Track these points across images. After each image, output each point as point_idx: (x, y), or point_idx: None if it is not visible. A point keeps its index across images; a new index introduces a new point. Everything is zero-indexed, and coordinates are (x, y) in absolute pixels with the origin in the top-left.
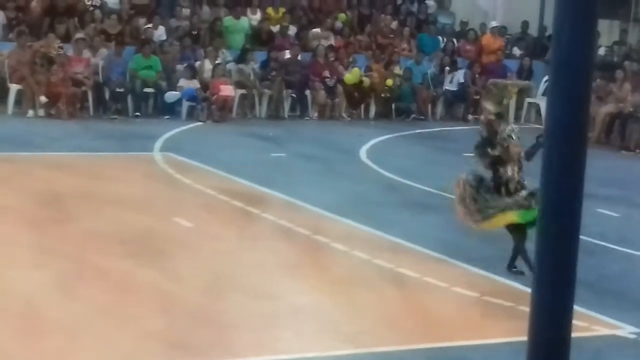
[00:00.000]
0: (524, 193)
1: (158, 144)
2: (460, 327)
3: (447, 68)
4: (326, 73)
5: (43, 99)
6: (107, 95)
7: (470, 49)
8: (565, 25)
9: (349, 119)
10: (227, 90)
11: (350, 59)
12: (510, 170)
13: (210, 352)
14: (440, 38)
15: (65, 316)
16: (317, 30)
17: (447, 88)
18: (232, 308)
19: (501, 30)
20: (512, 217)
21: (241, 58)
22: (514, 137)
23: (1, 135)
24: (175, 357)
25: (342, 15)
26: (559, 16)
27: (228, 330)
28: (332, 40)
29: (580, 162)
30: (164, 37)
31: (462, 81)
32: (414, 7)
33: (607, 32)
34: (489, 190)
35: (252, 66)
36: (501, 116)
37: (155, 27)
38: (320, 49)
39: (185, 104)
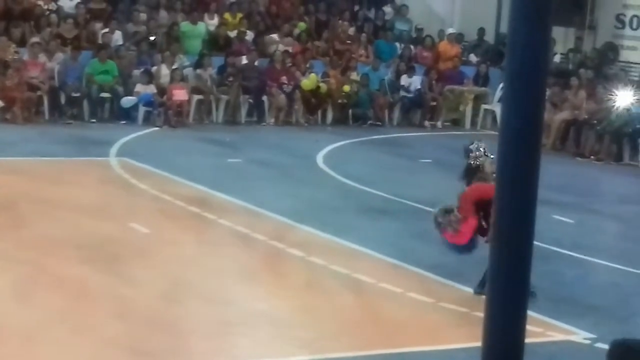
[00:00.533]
0: None
1: (114, 149)
2: (415, 333)
3: (406, 76)
4: (283, 79)
5: None
6: (62, 100)
7: (427, 56)
8: (519, 32)
9: (306, 124)
10: (181, 94)
11: (308, 65)
12: None
13: (167, 358)
14: (397, 44)
15: (21, 322)
16: (274, 36)
17: (404, 94)
18: (189, 314)
19: (458, 37)
20: None
21: (198, 63)
22: (485, 155)
23: None
24: None
25: (301, 25)
26: (513, 23)
27: (185, 336)
28: (289, 46)
29: (534, 167)
30: (120, 42)
31: (419, 87)
32: (372, 14)
33: (563, 39)
34: None
35: (209, 72)
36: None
37: (112, 32)
38: (277, 54)
39: (142, 109)
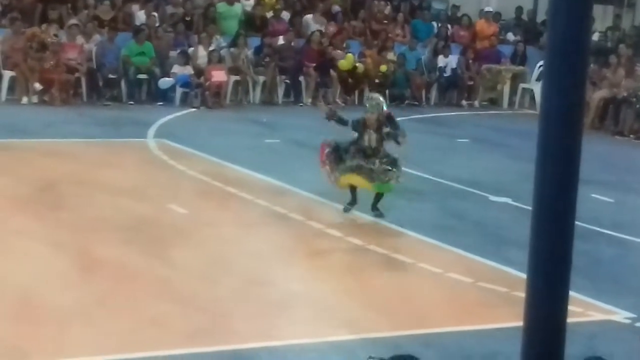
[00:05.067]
0: (380, 165)
1: (152, 130)
2: (455, 313)
3: (441, 56)
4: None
5: (37, 85)
6: (100, 81)
7: (464, 35)
8: (560, 10)
9: (343, 104)
10: (220, 75)
11: (344, 45)
12: (367, 138)
13: (206, 338)
14: (434, 24)
15: (61, 303)
16: (309, 16)
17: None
18: (228, 294)
19: (495, 16)
20: (364, 184)
21: (233, 43)
22: (368, 106)
23: None
24: (171, 343)
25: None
26: (554, 1)
27: (224, 316)
28: (326, 27)
29: (575, 147)
30: (144, 20)
31: (454, 67)
32: None
33: (601, 17)
34: (349, 152)
35: (245, 52)
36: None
37: (148, 13)
38: (315, 35)
39: (179, 91)
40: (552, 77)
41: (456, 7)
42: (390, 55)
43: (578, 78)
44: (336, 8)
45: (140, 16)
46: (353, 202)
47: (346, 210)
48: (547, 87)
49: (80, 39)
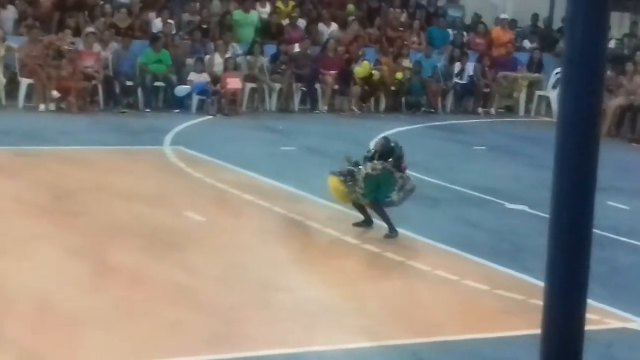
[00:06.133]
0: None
1: (168, 137)
2: (471, 320)
3: (458, 63)
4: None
5: (54, 93)
6: (117, 89)
7: (480, 42)
8: (577, 17)
9: (359, 112)
10: (235, 83)
11: (360, 52)
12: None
13: (222, 345)
14: (449, 31)
15: (77, 308)
16: (321, 24)
17: (457, 81)
18: (245, 301)
19: (511, 23)
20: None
21: (250, 51)
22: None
23: (13, 129)
24: (187, 349)
25: (350, 7)
26: (571, 8)
27: (240, 323)
28: (341, 35)
29: (593, 154)
30: (160, 28)
31: (471, 74)
32: (424, 0)
33: (618, 24)
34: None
35: (261, 60)
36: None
37: (164, 21)
38: (331, 43)
39: (195, 98)
40: (569, 85)
41: (478, 16)
42: (406, 63)
43: (595, 85)
44: (351, 18)
45: (156, 24)
46: (368, 221)
47: (356, 225)
48: (563, 94)
49: (97, 47)
